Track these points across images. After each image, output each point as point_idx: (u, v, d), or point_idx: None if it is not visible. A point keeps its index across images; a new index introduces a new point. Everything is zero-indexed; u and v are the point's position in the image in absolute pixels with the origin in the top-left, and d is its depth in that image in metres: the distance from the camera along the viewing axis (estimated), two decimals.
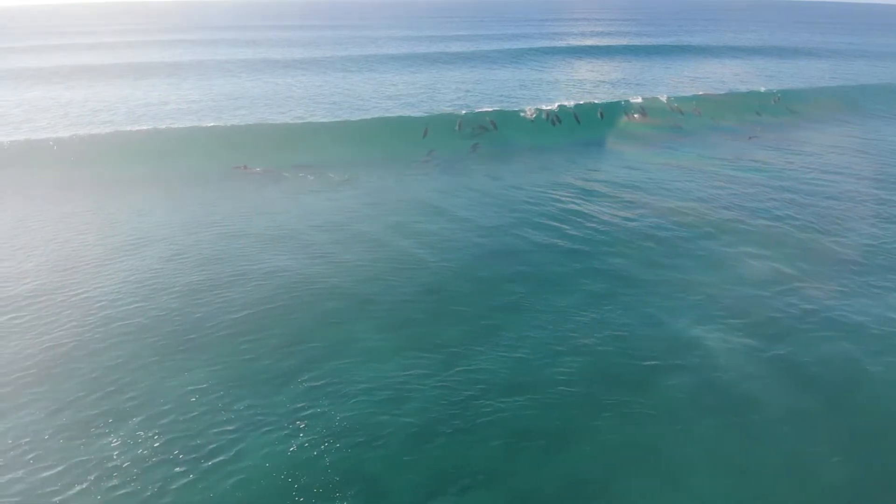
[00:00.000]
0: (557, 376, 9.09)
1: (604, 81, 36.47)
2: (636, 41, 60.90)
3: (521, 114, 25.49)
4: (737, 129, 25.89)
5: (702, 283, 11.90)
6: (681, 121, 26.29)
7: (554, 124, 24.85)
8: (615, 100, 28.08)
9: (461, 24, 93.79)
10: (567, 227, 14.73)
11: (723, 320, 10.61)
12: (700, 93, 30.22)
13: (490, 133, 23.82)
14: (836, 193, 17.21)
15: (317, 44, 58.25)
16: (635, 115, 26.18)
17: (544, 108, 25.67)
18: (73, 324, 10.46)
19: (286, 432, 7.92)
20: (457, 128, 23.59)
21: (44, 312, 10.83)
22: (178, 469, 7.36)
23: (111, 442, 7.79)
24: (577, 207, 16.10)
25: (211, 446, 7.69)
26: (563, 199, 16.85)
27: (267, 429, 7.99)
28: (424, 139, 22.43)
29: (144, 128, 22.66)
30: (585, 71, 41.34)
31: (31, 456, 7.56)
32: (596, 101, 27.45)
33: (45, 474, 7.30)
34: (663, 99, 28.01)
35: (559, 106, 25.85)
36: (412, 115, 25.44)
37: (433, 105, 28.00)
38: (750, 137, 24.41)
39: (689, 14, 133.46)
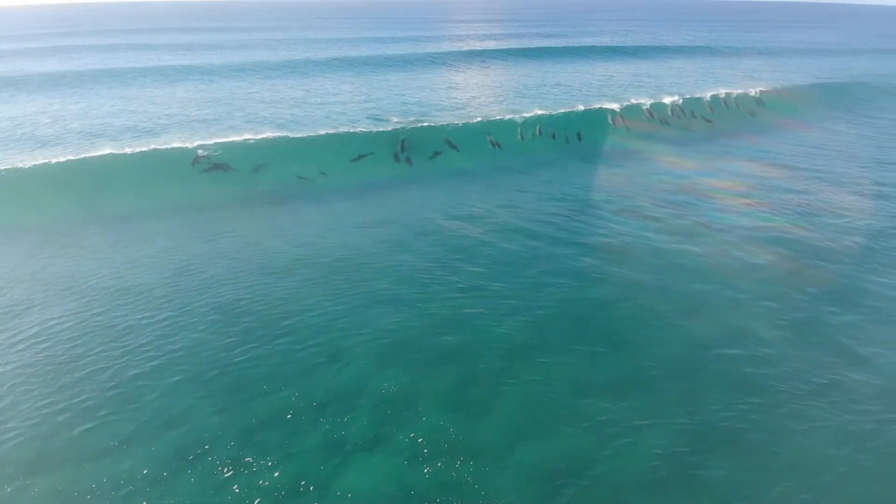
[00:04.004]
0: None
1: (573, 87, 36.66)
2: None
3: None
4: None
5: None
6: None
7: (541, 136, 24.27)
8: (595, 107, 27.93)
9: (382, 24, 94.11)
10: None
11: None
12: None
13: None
14: None
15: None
16: (619, 120, 26.54)
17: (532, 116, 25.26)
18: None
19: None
20: (396, 152, 21.84)
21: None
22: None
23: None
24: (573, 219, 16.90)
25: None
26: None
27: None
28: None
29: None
30: (548, 76, 41.60)
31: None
32: (573, 111, 27.34)
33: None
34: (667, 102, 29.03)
35: (536, 114, 25.83)
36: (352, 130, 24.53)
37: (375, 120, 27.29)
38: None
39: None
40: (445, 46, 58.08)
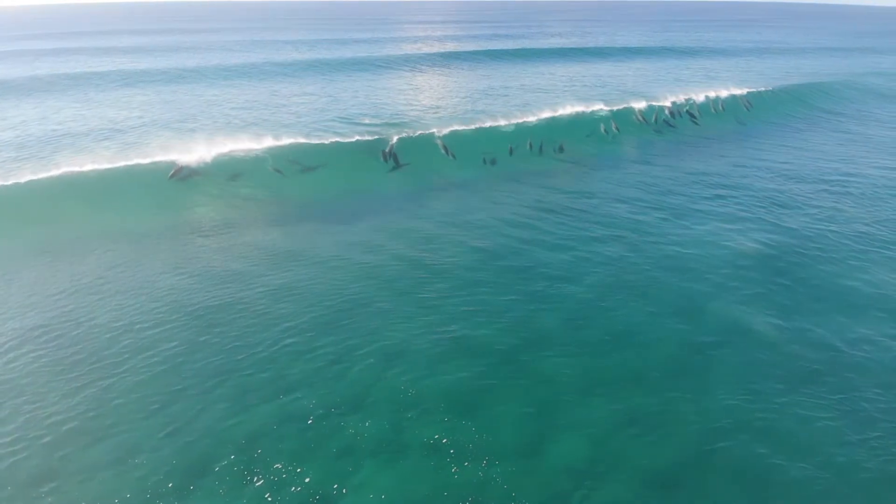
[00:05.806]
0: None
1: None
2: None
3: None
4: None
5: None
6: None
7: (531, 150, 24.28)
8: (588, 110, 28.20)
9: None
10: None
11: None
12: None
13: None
14: None
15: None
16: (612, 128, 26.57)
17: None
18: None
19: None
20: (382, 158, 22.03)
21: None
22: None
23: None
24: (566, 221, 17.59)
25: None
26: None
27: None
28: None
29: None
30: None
31: None
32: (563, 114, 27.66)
33: None
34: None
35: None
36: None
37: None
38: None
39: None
40: (406, 48, 58.23)
